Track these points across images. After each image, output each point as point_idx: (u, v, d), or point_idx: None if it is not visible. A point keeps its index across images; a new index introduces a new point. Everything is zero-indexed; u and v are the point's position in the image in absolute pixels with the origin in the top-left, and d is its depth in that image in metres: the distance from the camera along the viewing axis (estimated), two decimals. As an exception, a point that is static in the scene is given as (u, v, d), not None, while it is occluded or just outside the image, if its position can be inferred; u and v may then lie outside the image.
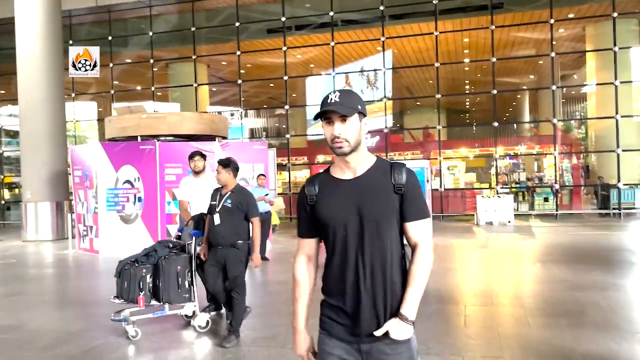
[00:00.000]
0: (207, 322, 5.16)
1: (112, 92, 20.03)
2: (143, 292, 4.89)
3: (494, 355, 4.29)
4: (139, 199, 11.02)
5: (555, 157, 17.21)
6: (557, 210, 16.48)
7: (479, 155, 20.55)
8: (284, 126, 21.47)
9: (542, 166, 21.00)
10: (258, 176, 10.08)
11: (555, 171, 17.44)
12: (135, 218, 11.00)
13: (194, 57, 18.92)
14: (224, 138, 12.85)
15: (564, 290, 6.39)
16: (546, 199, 17.26)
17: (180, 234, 5.51)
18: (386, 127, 18.14)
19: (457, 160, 19.73)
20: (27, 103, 14.36)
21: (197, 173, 5.95)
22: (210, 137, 12.16)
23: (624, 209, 15.96)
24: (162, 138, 11.55)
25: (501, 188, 17.36)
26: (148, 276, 4.93)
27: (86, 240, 11.64)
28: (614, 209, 16.01)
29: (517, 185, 18.66)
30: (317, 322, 2.05)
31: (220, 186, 4.93)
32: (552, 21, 16.43)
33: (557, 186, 16.97)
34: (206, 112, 19.76)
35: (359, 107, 1.95)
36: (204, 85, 20.35)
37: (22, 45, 14.59)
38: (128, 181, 11.08)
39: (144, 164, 10.94)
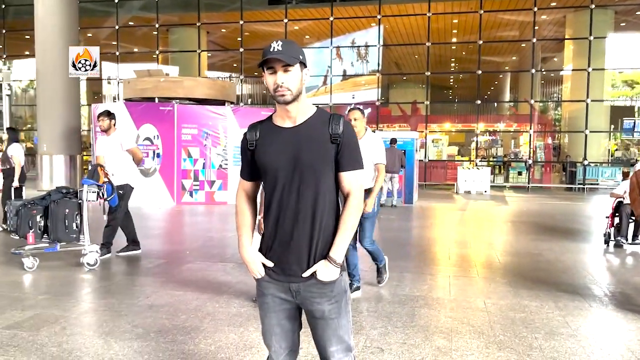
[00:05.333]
0: (96, 261, 5.78)
1: (117, 53, 20.83)
2: (32, 230, 5.56)
3: (471, 276, 5.77)
4: (158, 155, 12.20)
5: (530, 135, 18.81)
6: (529, 183, 18.15)
7: (461, 131, 22.12)
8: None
9: (518, 143, 22.70)
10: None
11: (530, 148, 19.08)
12: (154, 172, 12.20)
13: (198, 24, 19.82)
14: (232, 103, 14.03)
15: (527, 241, 7.93)
16: (520, 173, 18.96)
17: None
18: (378, 99, 19.42)
19: (441, 134, 21.24)
20: (43, 60, 15.15)
21: (105, 131, 6.38)
22: (220, 102, 13.33)
23: (588, 184, 17.72)
24: (178, 101, 12.66)
25: (480, 161, 18.94)
26: (38, 216, 5.57)
27: (106, 190, 12.79)
28: (579, 184, 17.75)
29: (495, 159, 20.40)
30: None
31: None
32: (535, 9, 17.78)
33: (530, 162, 18.63)
34: (206, 77, 20.74)
35: (301, 57, 1.94)
36: (205, 51, 21.25)
37: (39, 2, 15.33)
38: (148, 138, 12.23)
39: (163, 124, 12.09)
